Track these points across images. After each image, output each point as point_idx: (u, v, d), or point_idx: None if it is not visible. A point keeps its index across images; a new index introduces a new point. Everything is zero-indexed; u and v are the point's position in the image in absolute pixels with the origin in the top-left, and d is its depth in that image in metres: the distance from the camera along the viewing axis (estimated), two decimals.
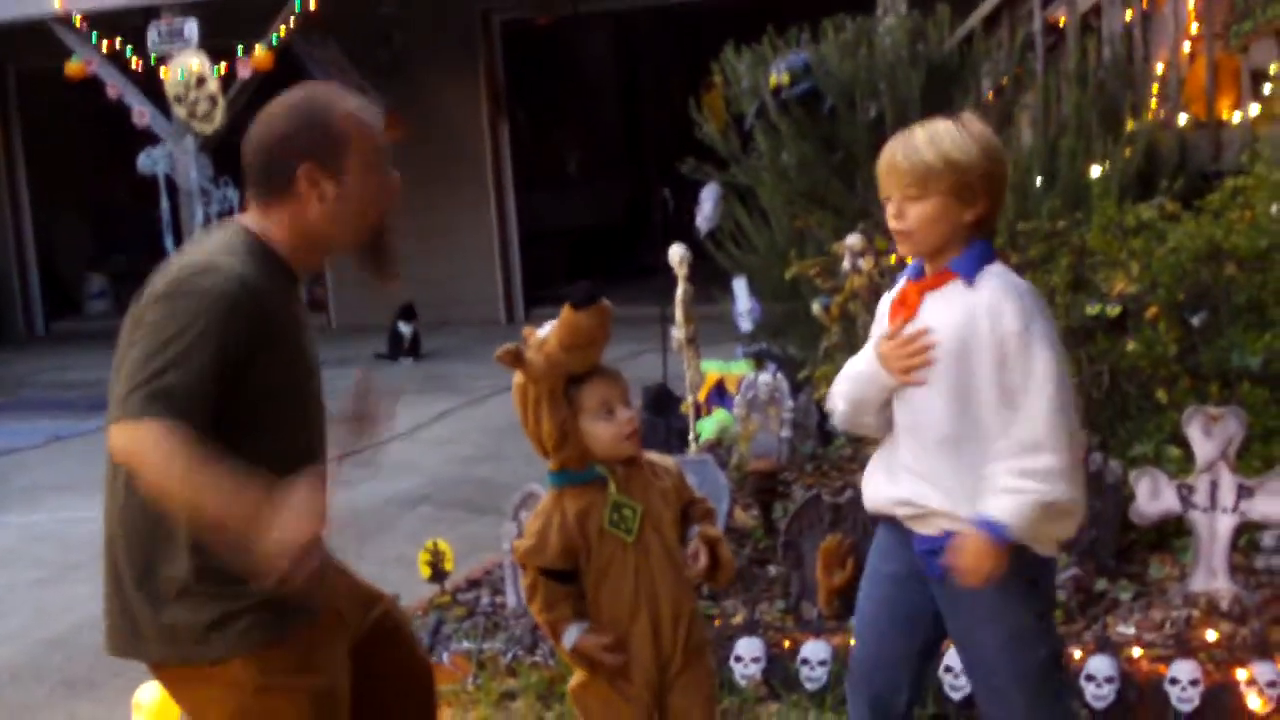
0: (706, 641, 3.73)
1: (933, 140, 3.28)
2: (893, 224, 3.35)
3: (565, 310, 3.36)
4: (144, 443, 2.87)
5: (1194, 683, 4.42)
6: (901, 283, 3.46)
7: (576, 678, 3.65)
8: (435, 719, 3.65)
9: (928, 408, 3.31)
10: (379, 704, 3.45)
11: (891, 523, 3.48)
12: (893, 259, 6.05)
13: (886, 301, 3.50)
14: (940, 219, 3.28)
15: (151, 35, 12.34)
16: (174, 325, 2.94)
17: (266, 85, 12.22)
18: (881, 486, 3.45)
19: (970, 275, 3.28)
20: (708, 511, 3.67)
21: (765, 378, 6.89)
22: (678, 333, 6.41)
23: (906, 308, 3.38)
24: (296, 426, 3.19)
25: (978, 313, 3.24)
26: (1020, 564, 3.26)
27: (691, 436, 6.58)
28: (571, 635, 3.51)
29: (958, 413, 3.27)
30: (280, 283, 3.17)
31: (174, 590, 3.06)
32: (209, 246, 3.15)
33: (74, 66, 12.88)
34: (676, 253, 6.27)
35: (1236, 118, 7.75)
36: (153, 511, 3.03)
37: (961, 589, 3.28)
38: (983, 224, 3.32)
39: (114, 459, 2.97)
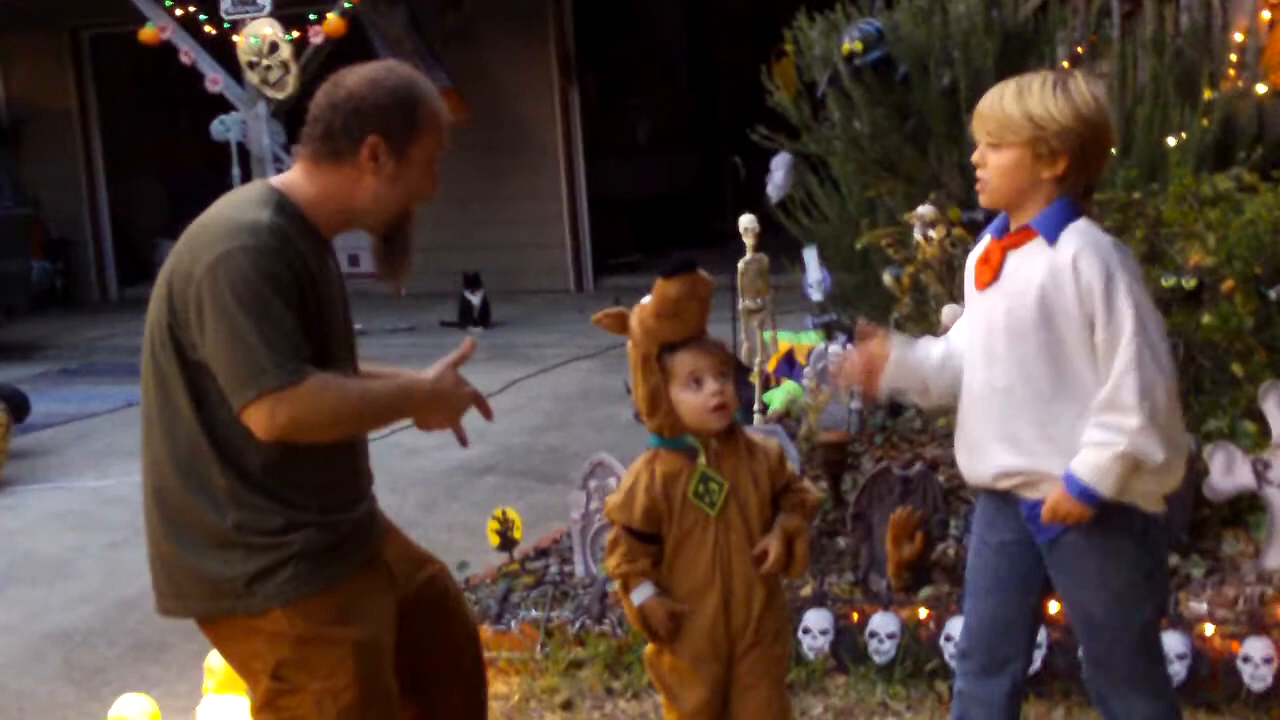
0: (786, 627, 3.72)
1: (1021, 92, 3.28)
2: (977, 171, 3.37)
3: (659, 279, 3.43)
4: (296, 410, 3.00)
5: (1267, 660, 4.39)
6: (986, 239, 3.46)
7: (652, 644, 3.67)
8: (483, 684, 3.68)
9: (1017, 369, 3.30)
10: (425, 665, 3.47)
11: (993, 491, 3.47)
12: (959, 231, 6.00)
13: (972, 259, 3.50)
14: (1014, 171, 3.28)
15: (225, 2, 12.40)
16: (238, 300, 2.99)
17: (338, 51, 12.26)
18: (977, 462, 3.44)
19: (1051, 233, 3.27)
20: (799, 502, 3.62)
21: (835, 348, 6.85)
22: (744, 303, 6.38)
23: (990, 266, 3.38)
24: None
25: (1060, 271, 3.23)
26: (1126, 522, 3.28)
27: (757, 408, 6.56)
28: (641, 594, 3.54)
29: (1049, 372, 3.27)
30: (310, 242, 3.19)
31: (214, 544, 3.09)
32: (235, 204, 3.20)
33: (147, 32, 12.96)
34: (744, 222, 6.24)
35: None
36: (189, 468, 3.07)
37: (1070, 551, 3.33)
38: (1068, 183, 3.29)
39: (274, 437, 3.03)
